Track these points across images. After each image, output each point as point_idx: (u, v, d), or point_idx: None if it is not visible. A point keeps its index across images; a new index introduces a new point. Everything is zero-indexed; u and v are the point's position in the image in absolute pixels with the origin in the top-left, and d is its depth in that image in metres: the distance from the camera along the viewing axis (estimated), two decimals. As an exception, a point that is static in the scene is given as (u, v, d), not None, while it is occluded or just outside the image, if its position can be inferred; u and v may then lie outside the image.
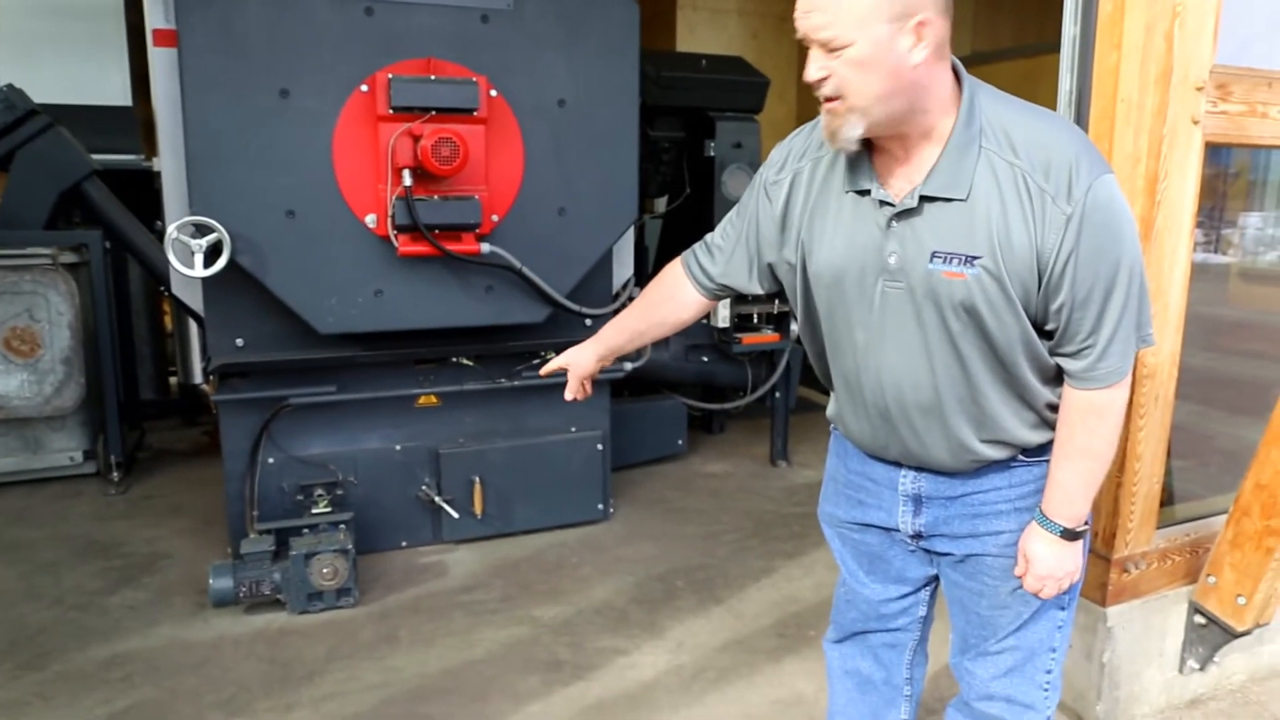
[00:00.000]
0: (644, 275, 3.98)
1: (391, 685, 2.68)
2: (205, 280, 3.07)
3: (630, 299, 3.69)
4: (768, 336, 4.38)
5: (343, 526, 3.17)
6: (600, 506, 3.83)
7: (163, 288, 4.21)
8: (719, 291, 1.79)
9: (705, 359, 4.52)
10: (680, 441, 4.58)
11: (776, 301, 4.34)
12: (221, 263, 2.94)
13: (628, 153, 3.48)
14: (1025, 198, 1.37)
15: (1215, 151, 2.40)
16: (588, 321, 3.60)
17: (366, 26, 3.01)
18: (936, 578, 1.77)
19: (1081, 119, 2.26)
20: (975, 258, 1.40)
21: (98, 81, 5.28)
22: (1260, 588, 2.39)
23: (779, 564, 3.51)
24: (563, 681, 2.72)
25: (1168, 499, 2.53)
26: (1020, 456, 1.59)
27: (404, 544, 3.56)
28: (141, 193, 4.65)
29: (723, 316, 4.29)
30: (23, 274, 3.93)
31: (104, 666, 2.74)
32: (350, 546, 3.07)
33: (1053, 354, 1.49)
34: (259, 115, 2.94)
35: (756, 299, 4.36)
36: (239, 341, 3.23)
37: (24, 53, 5.10)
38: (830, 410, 1.76)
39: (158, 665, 2.76)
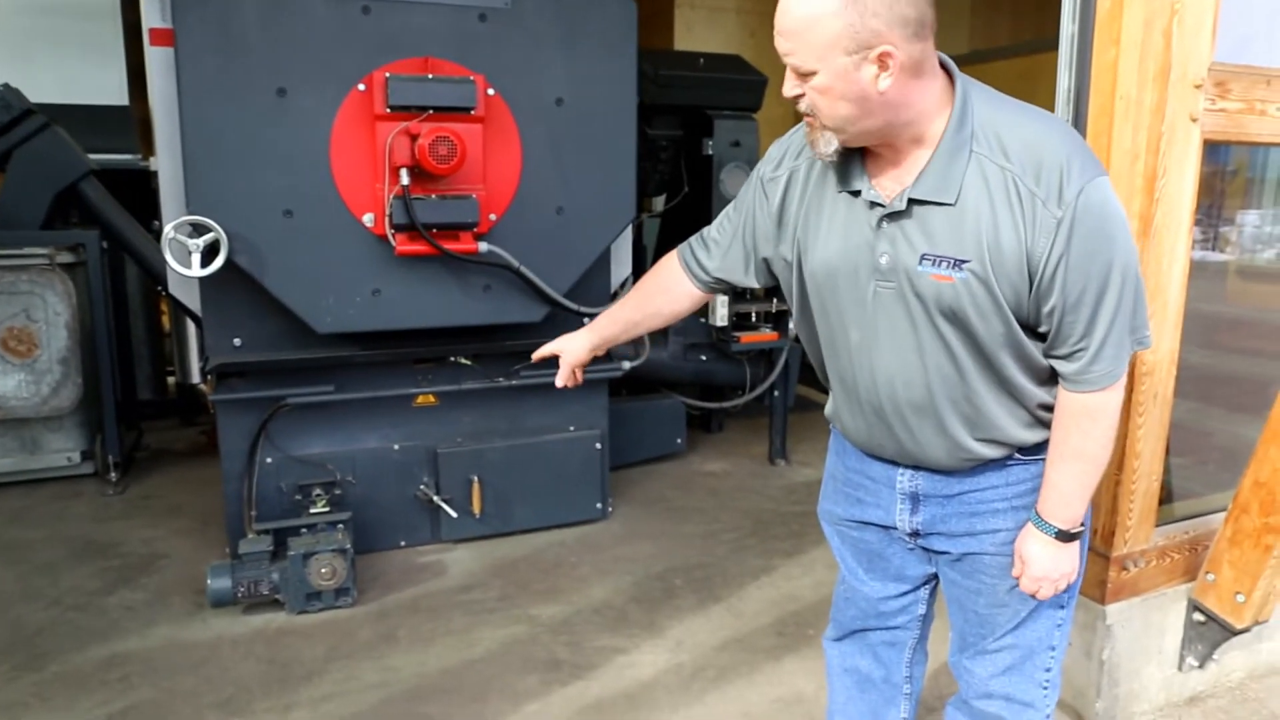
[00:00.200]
0: (642, 274, 3.97)
1: (390, 685, 2.68)
2: (202, 280, 3.06)
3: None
4: (766, 335, 4.38)
5: (341, 526, 3.16)
6: (599, 505, 3.83)
7: (160, 287, 4.20)
8: (714, 285, 1.80)
9: (704, 358, 4.51)
10: (679, 440, 4.58)
11: (775, 300, 4.35)
12: (219, 262, 2.94)
13: (626, 151, 3.48)
14: (1015, 202, 1.37)
15: (1213, 149, 2.39)
16: (586, 320, 3.55)
17: (363, 25, 3.00)
18: (936, 576, 1.77)
19: (1080, 116, 2.26)
20: (963, 261, 1.40)
21: (94, 81, 5.27)
22: (1259, 585, 2.39)
23: (778, 562, 3.51)
24: (561, 681, 2.71)
25: (1167, 497, 2.53)
26: (1017, 455, 1.58)
27: (402, 543, 3.56)
28: (138, 192, 4.65)
29: (721, 315, 4.28)
30: (19, 274, 3.92)
31: (102, 667, 2.74)
32: (348, 546, 3.06)
33: (1046, 356, 1.49)
34: (256, 114, 2.93)
35: (755, 297, 4.37)
36: (237, 341, 3.23)
37: (20, 52, 5.09)
38: (828, 409, 1.76)
39: (156, 666, 2.75)
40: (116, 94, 5.39)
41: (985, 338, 1.44)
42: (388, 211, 3.04)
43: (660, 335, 4.33)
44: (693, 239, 1.82)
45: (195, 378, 4.74)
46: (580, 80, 3.32)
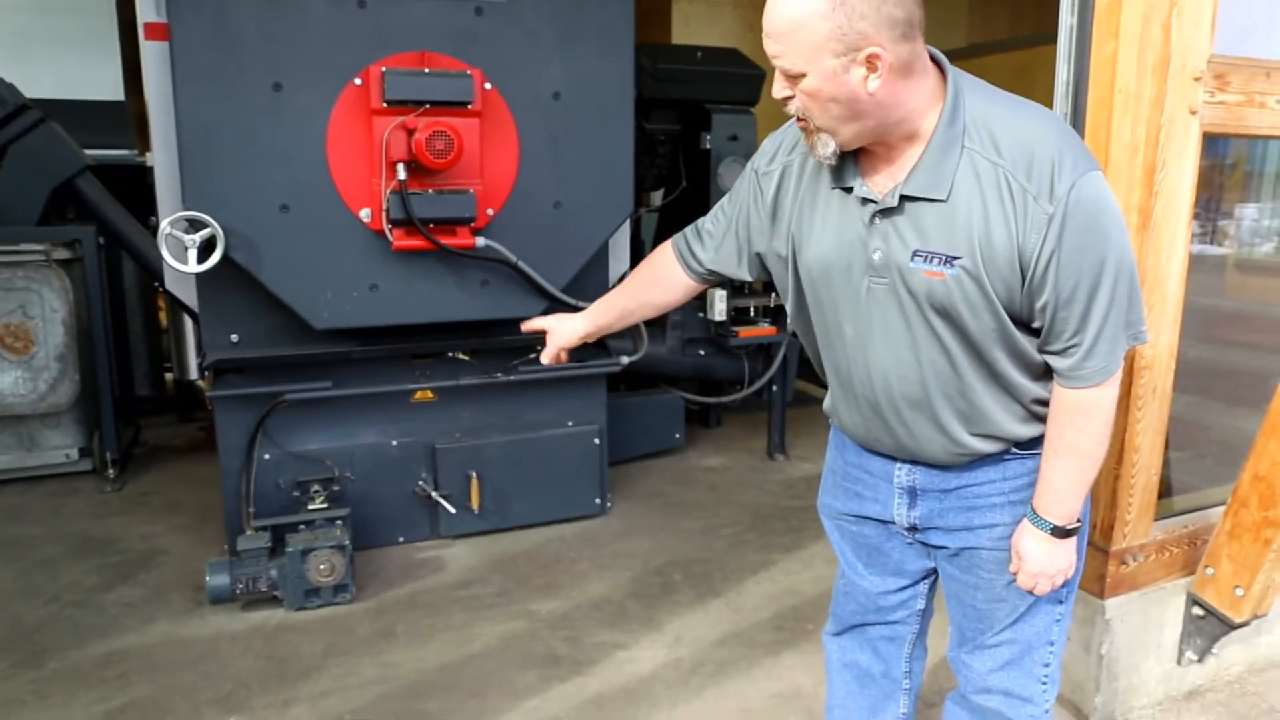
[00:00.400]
0: (640, 269, 3.96)
1: (389, 681, 2.68)
2: (199, 276, 3.05)
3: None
4: (765, 330, 4.38)
5: (339, 522, 3.16)
6: (597, 501, 3.82)
7: (157, 283, 4.19)
8: (708, 277, 1.80)
9: (702, 353, 4.51)
10: (677, 435, 4.57)
11: (773, 295, 4.34)
12: (215, 258, 2.93)
13: (623, 146, 3.47)
14: (1007, 197, 1.36)
15: (1211, 142, 2.39)
16: (584, 315, 3.58)
17: (360, 19, 2.99)
18: (935, 571, 1.77)
19: (1079, 110, 2.25)
20: (955, 258, 1.39)
21: (90, 76, 5.26)
22: (1258, 579, 2.39)
23: (777, 557, 3.50)
24: (560, 676, 2.71)
25: (1166, 491, 2.53)
26: (1013, 450, 1.58)
27: (401, 539, 3.56)
28: (135, 188, 4.63)
29: (719, 310, 4.28)
30: (16, 270, 3.91)
31: (100, 664, 2.74)
32: (347, 542, 3.06)
33: (1041, 352, 1.48)
34: (252, 109, 2.92)
35: (753, 292, 4.36)
36: (234, 337, 3.23)
37: (16, 48, 5.08)
38: (826, 404, 1.76)
39: (154, 662, 2.75)
40: (112, 89, 5.39)
41: (977, 333, 1.44)
42: (385, 206, 3.03)
43: (658, 330, 4.33)
44: (687, 230, 1.82)
45: (193, 374, 4.74)
46: (578, 74, 3.31)
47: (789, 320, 1.72)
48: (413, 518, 3.56)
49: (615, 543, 3.62)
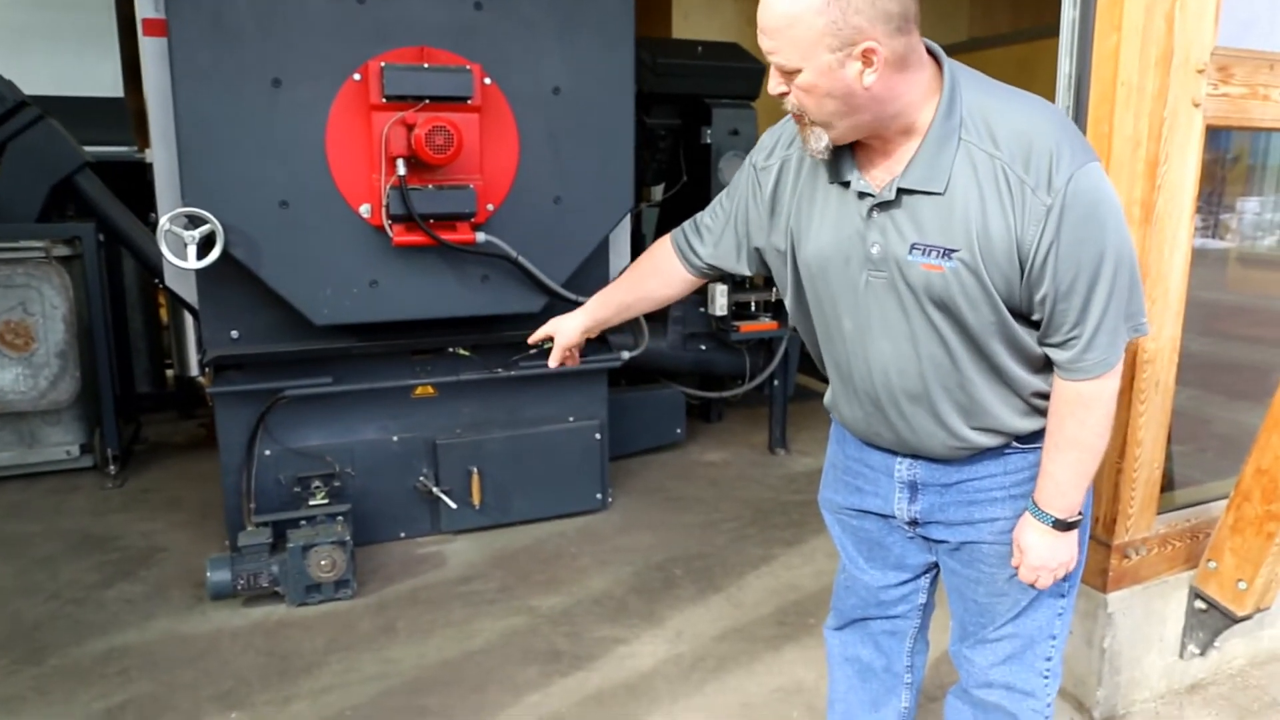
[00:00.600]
0: (641, 264, 3.96)
1: (390, 676, 2.68)
2: (199, 272, 3.04)
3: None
4: (765, 324, 4.37)
5: (340, 518, 3.16)
6: (598, 496, 3.82)
7: (157, 280, 4.19)
8: (707, 271, 1.80)
9: (703, 347, 4.51)
10: (678, 430, 4.57)
11: (774, 290, 4.33)
12: (215, 254, 2.92)
13: (624, 141, 3.46)
14: (1005, 190, 1.36)
15: (1213, 135, 2.38)
16: (584, 311, 3.58)
17: (359, 14, 2.98)
18: (937, 565, 1.76)
19: (1081, 103, 2.24)
20: (953, 251, 1.39)
21: (89, 72, 5.26)
22: (1261, 573, 2.39)
23: (778, 552, 3.50)
24: (561, 671, 2.71)
25: (1168, 484, 2.52)
26: (1014, 444, 1.58)
27: (402, 535, 3.56)
28: (134, 184, 4.62)
29: (720, 305, 4.27)
30: (15, 267, 3.91)
31: (101, 660, 2.74)
32: (348, 538, 3.06)
33: (1040, 344, 1.48)
34: (251, 105, 2.91)
35: (754, 287, 4.35)
36: (234, 334, 3.22)
37: (15, 44, 5.08)
38: (827, 398, 1.76)
39: (155, 659, 2.75)
40: (111, 86, 5.38)
41: (976, 326, 1.44)
42: (384, 202, 3.02)
43: (659, 325, 4.32)
44: (686, 224, 1.82)
45: (193, 370, 4.74)
46: (578, 69, 3.30)
47: (789, 315, 1.72)
48: (413, 513, 3.56)
49: (616, 538, 3.62)
